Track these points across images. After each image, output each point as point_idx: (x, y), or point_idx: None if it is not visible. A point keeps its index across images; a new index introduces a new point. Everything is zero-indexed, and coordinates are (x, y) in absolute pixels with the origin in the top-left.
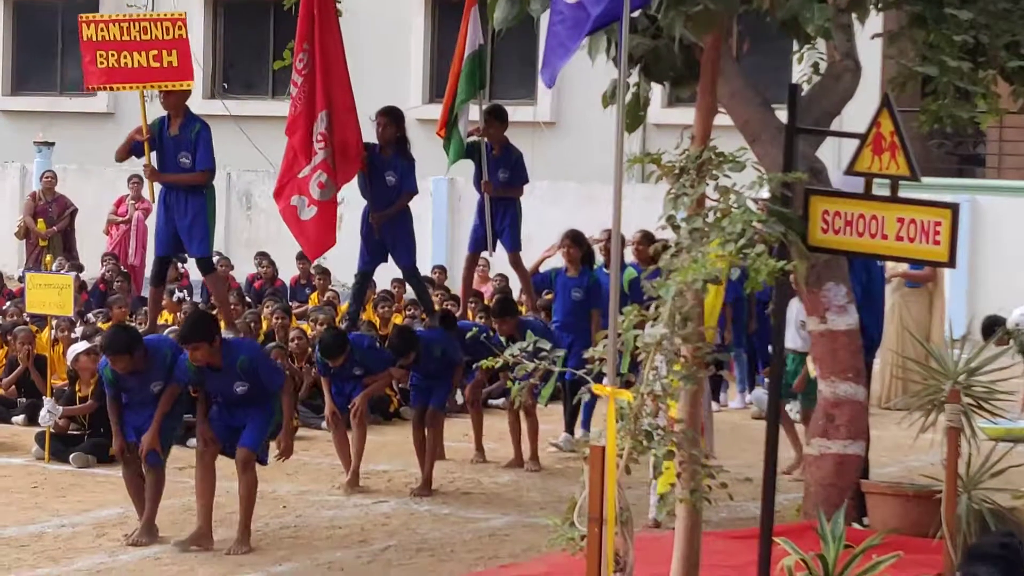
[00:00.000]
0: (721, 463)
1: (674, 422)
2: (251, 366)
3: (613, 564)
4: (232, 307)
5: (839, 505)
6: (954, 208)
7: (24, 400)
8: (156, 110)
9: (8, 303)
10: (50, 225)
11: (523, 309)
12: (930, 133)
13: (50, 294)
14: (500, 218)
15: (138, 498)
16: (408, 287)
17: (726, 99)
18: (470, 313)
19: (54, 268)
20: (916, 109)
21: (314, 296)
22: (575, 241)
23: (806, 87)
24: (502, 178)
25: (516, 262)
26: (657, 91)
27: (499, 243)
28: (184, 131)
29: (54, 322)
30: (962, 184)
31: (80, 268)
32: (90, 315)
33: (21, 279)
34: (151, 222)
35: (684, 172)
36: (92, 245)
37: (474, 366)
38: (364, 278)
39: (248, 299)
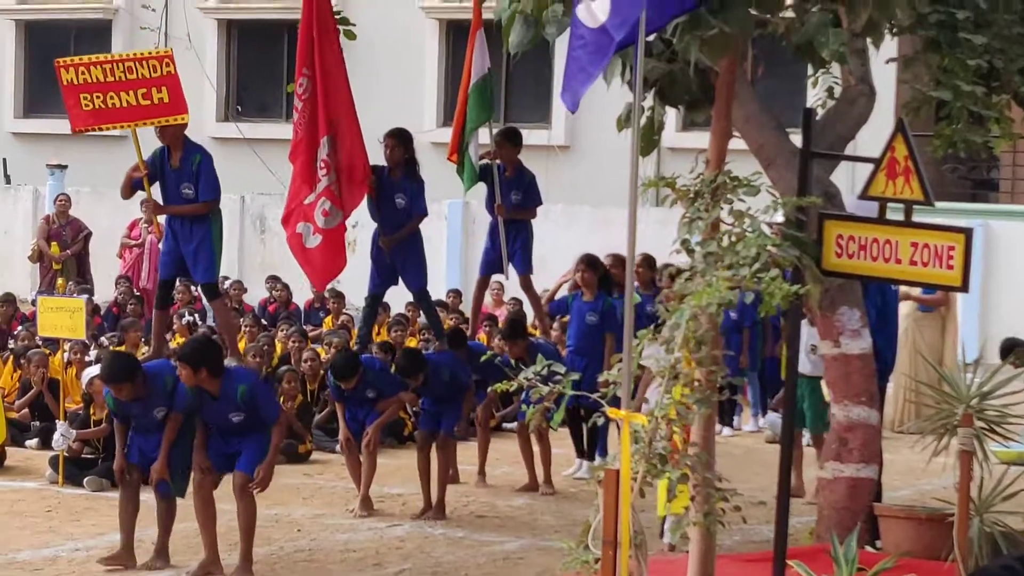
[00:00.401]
0: (734, 486)
1: (678, 446)
2: (250, 396)
3: None
4: (248, 329)
5: (852, 528)
6: (967, 233)
7: (37, 424)
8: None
9: (20, 327)
10: (64, 248)
11: (536, 332)
12: (944, 157)
13: (62, 317)
14: (512, 240)
15: (128, 523)
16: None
17: (741, 123)
18: (484, 336)
19: (67, 292)
20: (930, 133)
21: (328, 320)
22: (590, 265)
23: (820, 111)
24: (515, 200)
25: (527, 285)
26: (671, 115)
27: (511, 266)
28: (184, 163)
29: (67, 345)
30: (975, 209)
31: (90, 291)
32: (103, 338)
33: (34, 302)
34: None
35: (699, 196)
36: (105, 268)
37: (488, 389)
38: (374, 301)
39: (264, 322)
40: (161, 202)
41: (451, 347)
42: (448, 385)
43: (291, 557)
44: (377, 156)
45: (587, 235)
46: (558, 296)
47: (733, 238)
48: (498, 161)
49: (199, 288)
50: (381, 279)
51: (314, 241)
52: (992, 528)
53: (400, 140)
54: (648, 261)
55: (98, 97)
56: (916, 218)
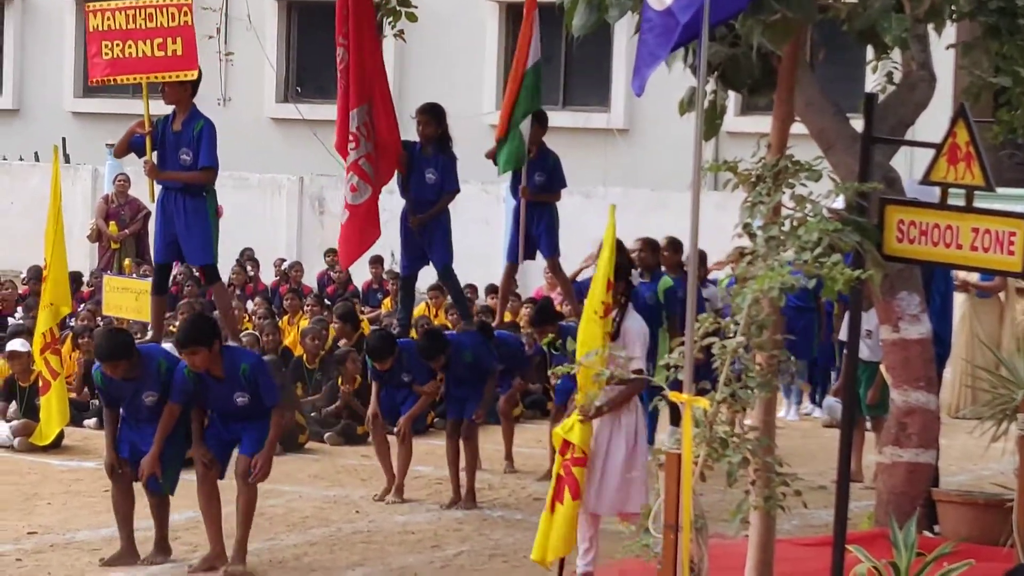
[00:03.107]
0: (794, 471)
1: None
2: (253, 375)
3: (688, 571)
4: (310, 308)
5: (911, 513)
6: None
7: (96, 403)
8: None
9: (82, 306)
10: (122, 228)
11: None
12: (1002, 143)
13: (128, 298)
14: (535, 223)
15: (125, 520)
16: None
17: (802, 108)
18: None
19: (132, 273)
20: (990, 120)
21: (387, 301)
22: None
23: (881, 96)
24: (538, 182)
25: (555, 267)
26: (731, 99)
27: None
28: (187, 127)
29: (127, 326)
30: None
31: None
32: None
33: (90, 283)
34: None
35: (760, 180)
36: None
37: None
38: (408, 283)
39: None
40: (158, 166)
41: (477, 334)
42: (471, 367)
43: (349, 539)
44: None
45: (644, 218)
46: (580, 278)
47: (795, 223)
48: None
49: (197, 271)
50: (410, 261)
51: (342, 218)
52: None
53: (433, 116)
54: (674, 244)
55: (117, 45)
56: (976, 204)
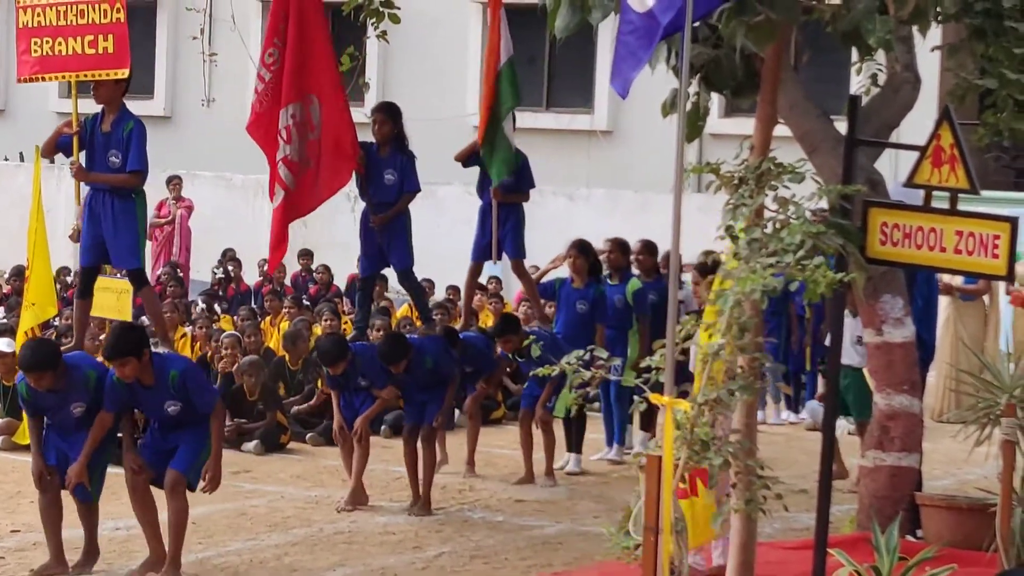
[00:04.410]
0: (776, 474)
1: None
2: (182, 382)
3: (668, 573)
4: (288, 310)
5: (893, 517)
6: (1013, 222)
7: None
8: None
9: (66, 307)
10: None
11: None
12: (988, 146)
13: (109, 298)
14: (502, 224)
15: (53, 529)
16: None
17: (785, 110)
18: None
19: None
20: (975, 122)
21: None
22: (581, 251)
23: (865, 99)
24: (507, 182)
25: (520, 269)
26: (715, 101)
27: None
28: (116, 128)
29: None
30: (1019, 198)
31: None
32: (143, 318)
33: (73, 283)
34: (195, 222)
35: (743, 182)
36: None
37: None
38: (367, 285)
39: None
40: (86, 168)
41: (438, 338)
42: (431, 372)
43: (331, 539)
44: (426, 137)
45: (628, 220)
46: (545, 280)
47: (777, 225)
48: None
49: (126, 275)
50: (370, 263)
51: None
52: None
53: (388, 115)
54: (649, 247)
55: (47, 42)
56: (961, 206)
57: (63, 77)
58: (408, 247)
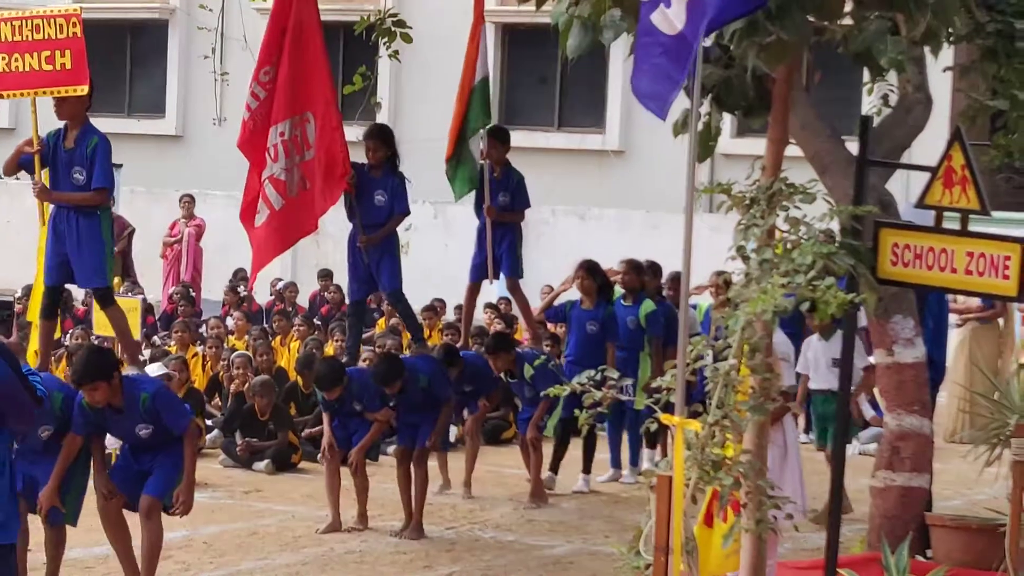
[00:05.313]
0: (786, 495)
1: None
2: (152, 405)
3: None
4: (297, 328)
5: (903, 537)
6: None
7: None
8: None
9: (76, 327)
10: None
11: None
12: (999, 167)
13: None
14: (498, 243)
15: (21, 554)
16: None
17: (797, 130)
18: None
19: (121, 291)
20: (986, 143)
21: (381, 321)
22: (589, 272)
23: (876, 119)
24: (502, 201)
25: (515, 288)
26: (726, 121)
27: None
28: (80, 144)
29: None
30: None
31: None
32: (156, 338)
33: (85, 302)
34: (207, 241)
35: (755, 203)
36: (158, 267)
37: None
38: (358, 308)
39: (316, 321)
40: (50, 186)
41: (444, 364)
42: (425, 393)
43: (342, 559)
44: (436, 157)
45: (639, 240)
46: (556, 304)
47: (789, 245)
48: (486, 161)
49: (91, 294)
50: (359, 284)
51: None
52: None
53: (381, 140)
54: (653, 269)
55: (3, 59)
56: (972, 227)
57: (21, 94)
58: (397, 268)
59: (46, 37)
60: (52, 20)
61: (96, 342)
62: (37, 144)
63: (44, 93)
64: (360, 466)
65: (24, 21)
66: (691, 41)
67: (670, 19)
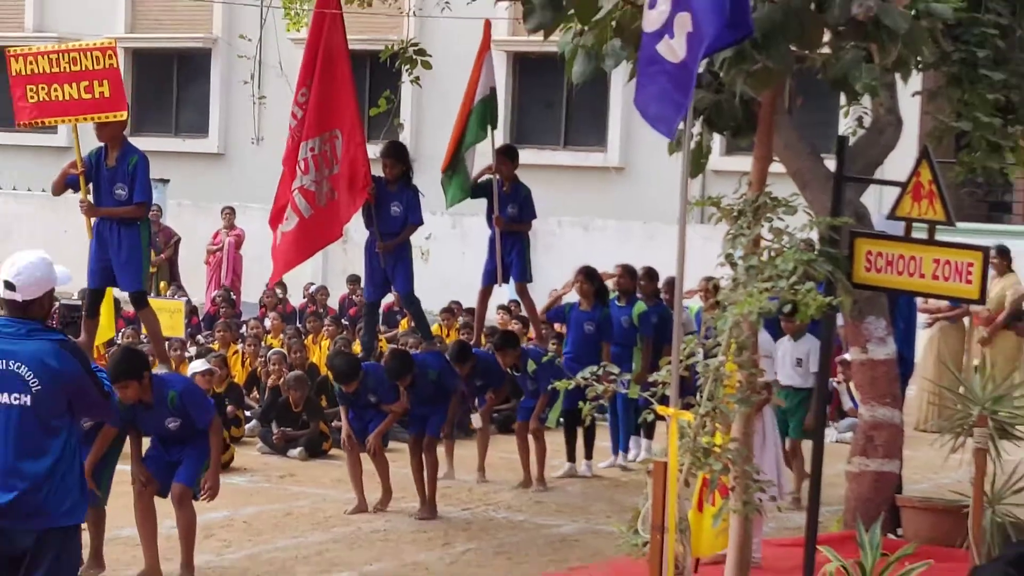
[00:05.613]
0: (770, 479)
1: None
2: (180, 401)
3: (673, 569)
4: (327, 328)
5: (876, 517)
6: (985, 251)
7: None
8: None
9: (127, 326)
10: (157, 254)
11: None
12: (963, 182)
13: (163, 317)
14: (508, 251)
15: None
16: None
17: (780, 149)
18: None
19: (168, 294)
20: (951, 160)
21: (404, 322)
22: (588, 277)
23: (852, 139)
24: (511, 213)
25: (523, 292)
26: (716, 140)
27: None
28: (121, 163)
29: (167, 344)
30: (991, 229)
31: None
32: (200, 337)
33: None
34: (246, 249)
35: (742, 215)
36: (202, 272)
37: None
38: (373, 309)
39: (344, 322)
40: (94, 202)
41: (456, 361)
42: (434, 385)
43: (368, 537)
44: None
45: (638, 250)
46: (556, 305)
47: (773, 253)
48: (497, 176)
49: (128, 296)
50: (375, 288)
51: (277, 239)
52: (1003, 519)
53: (397, 157)
54: (650, 274)
55: (43, 89)
56: (938, 237)
57: (63, 121)
58: (410, 273)
59: (83, 68)
60: (88, 53)
61: (144, 342)
62: (81, 165)
63: (86, 119)
64: (378, 449)
65: (61, 55)
66: (692, 68)
67: (674, 49)
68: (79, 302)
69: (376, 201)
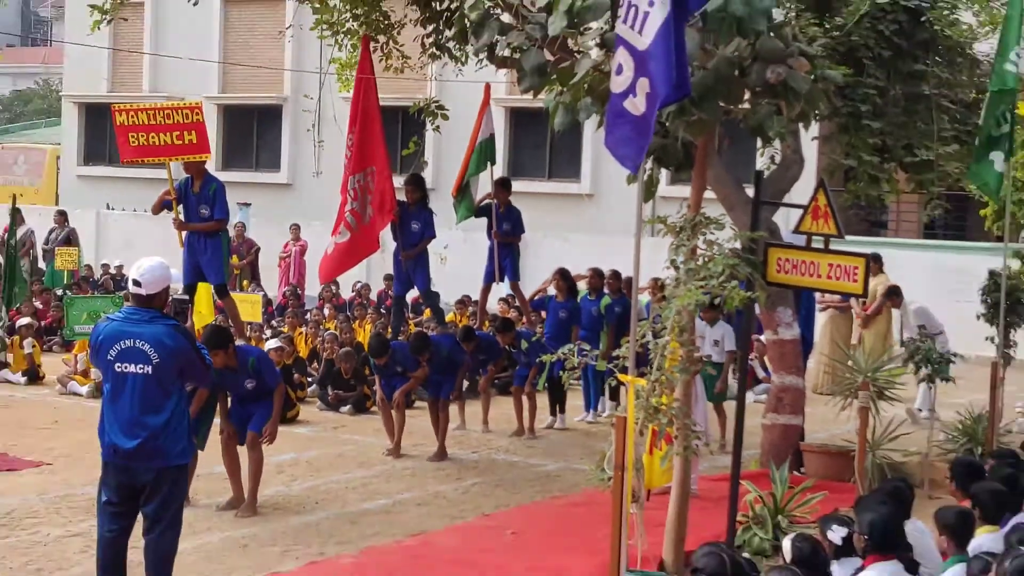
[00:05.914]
0: (705, 429)
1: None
2: (258, 365)
3: (631, 499)
4: (370, 315)
5: (785, 459)
6: (866, 257)
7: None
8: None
9: (220, 314)
10: (241, 259)
11: (521, 323)
12: (850, 205)
13: (245, 307)
14: (503, 258)
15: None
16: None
17: (712, 180)
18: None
19: (250, 289)
20: (841, 189)
21: (427, 311)
22: (563, 276)
23: (766, 172)
24: (505, 229)
25: (516, 288)
26: (663, 174)
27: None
28: (203, 189)
29: (248, 327)
30: (871, 240)
31: (263, 290)
32: (273, 322)
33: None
34: (308, 256)
35: (683, 230)
36: (275, 273)
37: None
38: (399, 301)
39: (382, 311)
40: (184, 219)
41: (463, 341)
42: (446, 360)
43: (400, 473)
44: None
45: (604, 256)
46: (539, 297)
47: (706, 259)
48: (495, 201)
49: (214, 288)
50: (401, 285)
51: (329, 248)
52: (881, 461)
53: (416, 185)
54: (616, 275)
55: (142, 136)
56: (832, 247)
57: (159, 160)
58: (427, 274)
59: (175, 122)
60: (180, 110)
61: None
62: (173, 192)
63: (178, 159)
64: (400, 405)
65: (156, 111)
66: (650, 120)
67: (637, 105)
68: (185, 296)
69: (399, 220)
